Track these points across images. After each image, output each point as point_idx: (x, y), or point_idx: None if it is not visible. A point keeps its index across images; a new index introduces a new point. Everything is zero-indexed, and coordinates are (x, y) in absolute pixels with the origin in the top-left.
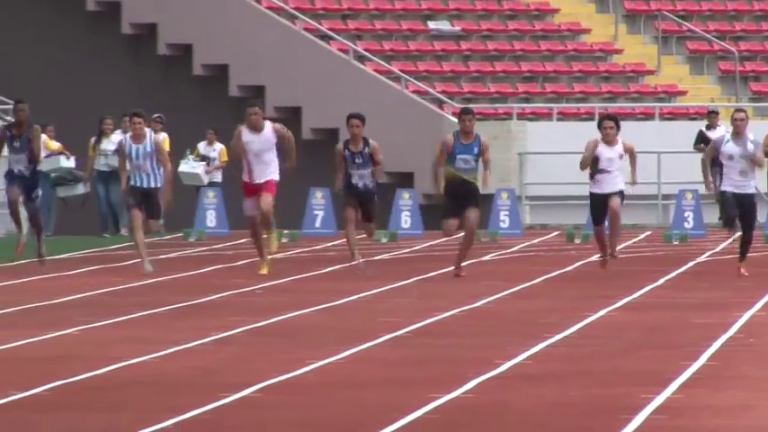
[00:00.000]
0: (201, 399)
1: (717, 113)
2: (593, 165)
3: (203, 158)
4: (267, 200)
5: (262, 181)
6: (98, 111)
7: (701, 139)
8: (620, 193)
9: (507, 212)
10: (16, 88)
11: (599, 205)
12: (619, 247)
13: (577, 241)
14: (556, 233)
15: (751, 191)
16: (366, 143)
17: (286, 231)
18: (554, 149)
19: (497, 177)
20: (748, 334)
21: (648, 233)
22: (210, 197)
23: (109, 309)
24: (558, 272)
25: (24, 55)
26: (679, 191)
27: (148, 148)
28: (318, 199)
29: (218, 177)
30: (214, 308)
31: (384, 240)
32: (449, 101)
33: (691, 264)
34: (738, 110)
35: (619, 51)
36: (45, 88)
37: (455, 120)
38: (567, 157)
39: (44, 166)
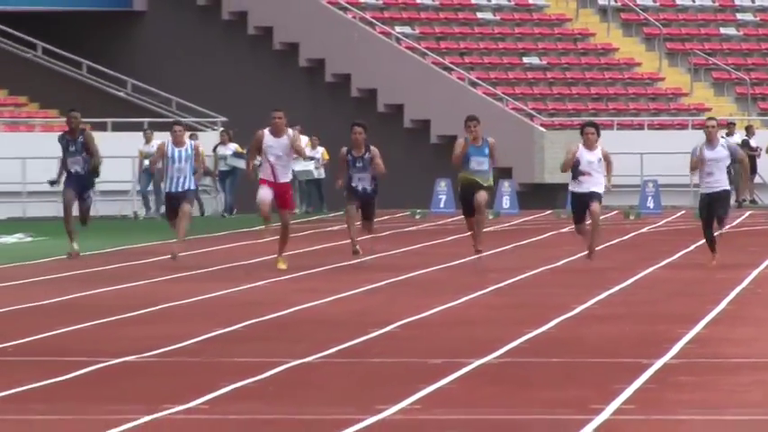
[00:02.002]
0: (355, 333)
1: (734, 124)
2: (574, 167)
3: (311, 158)
4: (286, 217)
5: (282, 181)
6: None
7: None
8: (599, 196)
9: (609, 189)
10: (220, 105)
11: (578, 204)
12: (661, 222)
13: (631, 218)
14: (616, 212)
15: (723, 186)
16: (367, 149)
17: (419, 211)
18: (614, 151)
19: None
20: (756, 285)
21: (683, 212)
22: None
23: (284, 269)
24: (616, 240)
25: (225, 81)
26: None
27: (189, 152)
28: (442, 186)
29: (323, 174)
30: (365, 267)
31: (490, 217)
32: (537, 115)
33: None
34: (710, 118)
35: (662, 79)
36: (242, 105)
37: (543, 129)
38: (624, 157)
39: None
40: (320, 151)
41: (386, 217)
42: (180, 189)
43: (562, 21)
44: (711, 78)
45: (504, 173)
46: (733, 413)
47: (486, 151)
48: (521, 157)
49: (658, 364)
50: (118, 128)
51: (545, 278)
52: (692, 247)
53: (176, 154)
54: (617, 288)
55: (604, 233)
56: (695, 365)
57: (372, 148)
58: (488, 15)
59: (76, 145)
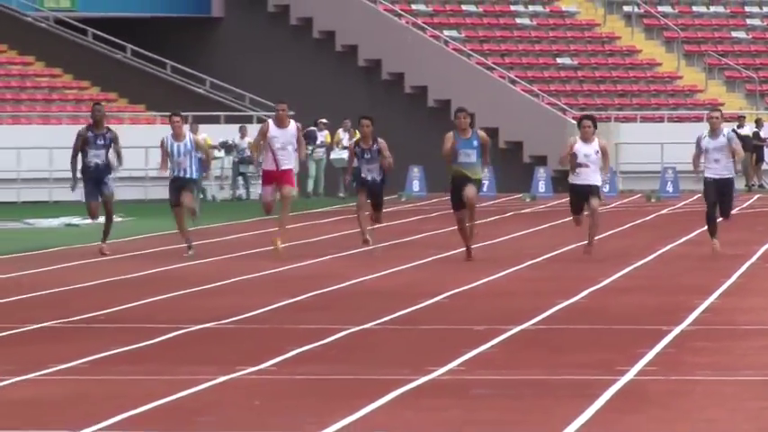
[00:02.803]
0: (407, 303)
1: (744, 117)
2: (572, 160)
3: (344, 147)
4: (289, 189)
5: (285, 168)
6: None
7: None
8: (597, 190)
9: (608, 181)
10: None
11: (576, 195)
12: (679, 205)
13: (652, 201)
14: (638, 195)
15: (729, 175)
16: (375, 141)
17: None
18: (638, 141)
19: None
20: (764, 261)
21: (699, 195)
22: (415, 171)
23: (341, 247)
24: (640, 220)
25: (293, 79)
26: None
27: (189, 146)
28: (485, 174)
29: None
30: (414, 244)
31: (527, 200)
32: (569, 109)
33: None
34: (714, 109)
35: (680, 77)
36: (307, 100)
37: (574, 122)
38: (646, 146)
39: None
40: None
41: (434, 200)
42: (187, 175)
43: (591, 26)
44: (724, 77)
45: (539, 160)
46: (744, 374)
47: (475, 143)
48: (554, 146)
49: (677, 330)
50: (198, 121)
51: (576, 254)
52: (698, 231)
53: (175, 148)
54: (639, 263)
55: (633, 212)
56: (710, 332)
57: (380, 140)
58: (526, 21)
59: (104, 139)
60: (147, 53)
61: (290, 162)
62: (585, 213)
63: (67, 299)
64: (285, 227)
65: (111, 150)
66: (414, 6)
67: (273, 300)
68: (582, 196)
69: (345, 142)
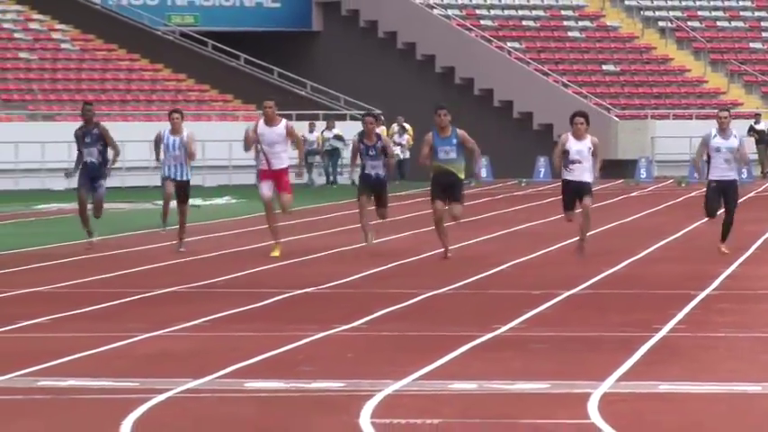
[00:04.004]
0: (476, 271)
1: (760, 115)
2: (564, 157)
3: (397, 144)
4: (287, 199)
5: (277, 168)
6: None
7: (751, 129)
8: (589, 189)
9: (645, 169)
10: (376, 100)
11: (569, 192)
12: (704, 189)
13: (682, 185)
14: (671, 180)
15: (734, 177)
16: (379, 138)
17: (524, 180)
18: (670, 135)
19: (639, 149)
20: None
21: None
22: (483, 161)
23: (417, 225)
24: (671, 202)
25: (380, 83)
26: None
27: (185, 140)
28: (541, 162)
29: (407, 155)
30: (482, 222)
31: None
32: (612, 108)
33: (743, 198)
34: (722, 109)
35: (706, 81)
36: (392, 101)
37: (617, 119)
38: (677, 140)
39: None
40: (405, 138)
41: (499, 184)
42: (183, 178)
43: (631, 38)
44: (743, 81)
45: None
46: (760, 331)
47: (454, 141)
48: (600, 139)
49: (703, 294)
50: (300, 118)
51: (618, 230)
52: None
53: (171, 141)
54: (671, 238)
55: (666, 195)
56: (731, 296)
57: (383, 137)
58: (576, 34)
59: (92, 136)
60: (257, 61)
61: (281, 161)
62: (578, 210)
63: (190, 268)
64: (279, 238)
65: (105, 147)
66: (482, 21)
67: (363, 269)
68: (574, 193)
69: (397, 138)
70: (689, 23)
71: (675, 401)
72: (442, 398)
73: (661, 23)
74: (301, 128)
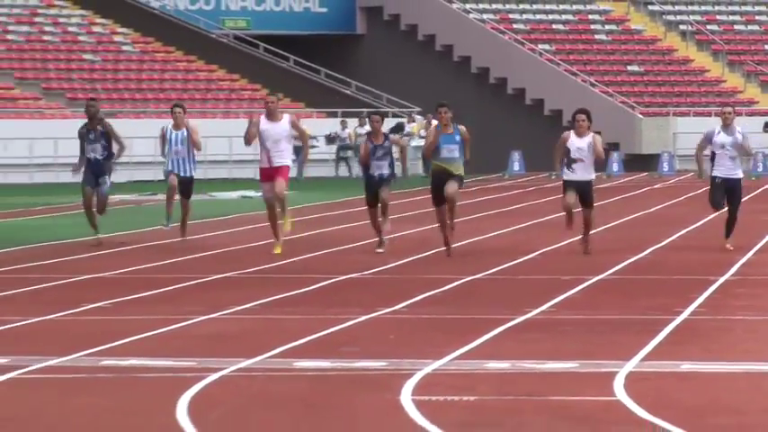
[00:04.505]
0: (507, 259)
1: None
2: (565, 154)
3: (421, 137)
4: (281, 185)
5: (278, 165)
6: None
7: (766, 125)
8: (590, 187)
9: (667, 162)
10: (416, 99)
11: (571, 192)
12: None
13: (702, 178)
14: (692, 173)
15: (738, 175)
16: (386, 137)
17: (554, 173)
18: (691, 131)
19: (661, 144)
20: None
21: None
22: (515, 155)
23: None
24: (692, 193)
25: (420, 82)
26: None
27: (186, 134)
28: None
29: None
30: (514, 213)
31: (605, 177)
32: (637, 106)
33: (759, 190)
34: (726, 105)
35: (724, 81)
36: (430, 99)
37: (641, 116)
38: (697, 135)
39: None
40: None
41: (531, 177)
42: (186, 174)
43: (654, 41)
44: (759, 81)
45: (613, 146)
46: None
47: (458, 138)
48: (625, 135)
49: (721, 280)
50: (345, 115)
51: (642, 220)
52: (745, 198)
53: (173, 137)
54: (692, 227)
55: (687, 187)
56: (748, 281)
57: (392, 136)
58: (603, 37)
59: (95, 133)
60: (305, 62)
61: (284, 158)
62: (576, 210)
63: (242, 255)
64: (283, 234)
65: (110, 144)
66: (515, 25)
67: (404, 256)
68: (575, 193)
69: (423, 132)
70: (708, 27)
71: (696, 380)
72: (478, 376)
73: (682, 27)
74: (336, 125)
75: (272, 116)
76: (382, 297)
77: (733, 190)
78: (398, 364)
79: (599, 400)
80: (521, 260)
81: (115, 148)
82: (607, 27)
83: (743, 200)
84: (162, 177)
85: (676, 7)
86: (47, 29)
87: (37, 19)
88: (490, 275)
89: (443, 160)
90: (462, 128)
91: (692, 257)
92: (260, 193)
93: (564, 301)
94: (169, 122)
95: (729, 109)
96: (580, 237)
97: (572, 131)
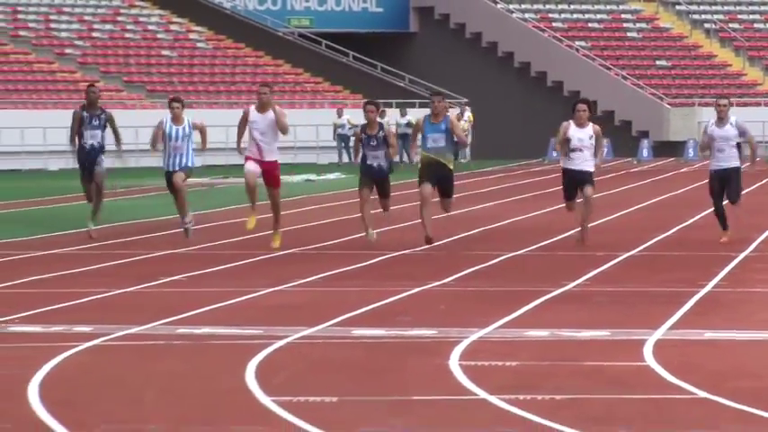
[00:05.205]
0: (546, 236)
1: None
2: (566, 144)
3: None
4: (276, 196)
5: (267, 159)
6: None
7: None
8: (591, 177)
9: (692, 149)
10: (464, 92)
11: (569, 181)
12: (742, 167)
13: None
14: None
15: (734, 164)
16: (381, 128)
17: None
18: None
19: (687, 132)
20: None
21: (758, 159)
22: (554, 142)
23: (496, 197)
24: None
25: (466, 76)
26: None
27: (186, 131)
28: (604, 143)
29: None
30: (552, 195)
31: (635, 162)
32: (665, 97)
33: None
34: (721, 97)
35: (745, 74)
36: (476, 91)
37: (669, 107)
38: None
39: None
40: (467, 117)
41: None
42: (176, 168)
43: (681, 37)
44: None
45: (643, 134)
46: None
47: (443, 127)
48: (654, 124)
49: (741, 256)
50: (399, 106)
51: (669, 201)
52: (754, 186)
53: (173, 132)
54: (708, 210)
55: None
56: (766, 257)
57: (386, 127)
58: (634, 34)
59: (99, 120)
60: (363, 58)
61: (272, 154)
62: (578, 200)
63: (306, 233)
64: (279, 228)
65: (105, 131)
66: (554, 24)
67: (452, 233)
68: (575, 182)
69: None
70: (730, 25)
71: (718, 347)
72: (519, 343)
73: (707, 25)
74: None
75: (262, 107)
76: (432, 271)
77: (728, 180)
78: (447, 332)
79: (629, 365)
80: (557, 238)
81: (110, 138)
82: (638, 25)
83: (762, 182)
84: (147, 167)
85: (701, 7)
86: (128, 27)
87: (119, 18)
88: (530, 252)
89: (430, 150)
90: (451, 116)
91: (714, 235)
92: (321, 177)
93: (598, 275)
94: (181, 115)
95: (725, 101)
96: (579, 229)
97: (571, 121)
